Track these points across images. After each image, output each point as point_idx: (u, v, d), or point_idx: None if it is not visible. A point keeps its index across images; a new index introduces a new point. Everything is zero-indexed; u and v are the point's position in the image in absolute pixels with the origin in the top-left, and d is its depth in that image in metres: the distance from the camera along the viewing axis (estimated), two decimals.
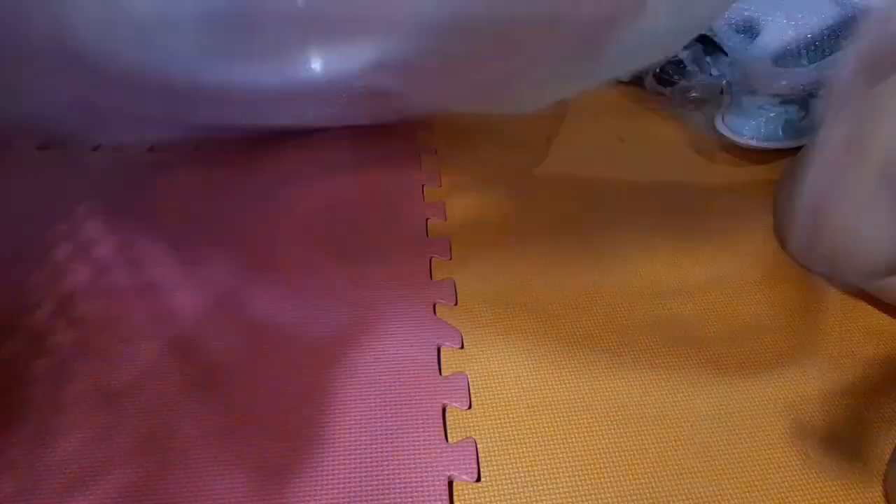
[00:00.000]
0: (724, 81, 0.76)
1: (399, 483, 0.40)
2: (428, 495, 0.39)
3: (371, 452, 0.41)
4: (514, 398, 0.46)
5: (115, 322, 0.50)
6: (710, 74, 0.79)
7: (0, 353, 0.48)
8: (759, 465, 0.43)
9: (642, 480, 0.41)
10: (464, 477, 0.41)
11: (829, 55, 0.67)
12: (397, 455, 0.41)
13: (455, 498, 0.40)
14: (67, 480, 0.40)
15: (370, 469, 0.40)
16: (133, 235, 0.57)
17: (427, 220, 0.63)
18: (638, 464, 0.42)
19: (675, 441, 0.44)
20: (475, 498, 0.40)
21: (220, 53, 0.53)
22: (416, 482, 0.40)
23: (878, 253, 0.51)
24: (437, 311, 0.53)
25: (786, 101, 0.70)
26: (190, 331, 0.48)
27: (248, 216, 0.62)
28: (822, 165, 0.55)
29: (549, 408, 0.45)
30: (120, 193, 0.63)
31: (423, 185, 0.68)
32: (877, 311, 0.57)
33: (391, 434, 0.42)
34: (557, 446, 0.43)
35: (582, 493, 0.40)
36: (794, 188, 0.58)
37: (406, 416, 0.43)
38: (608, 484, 0.41)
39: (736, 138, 0.72)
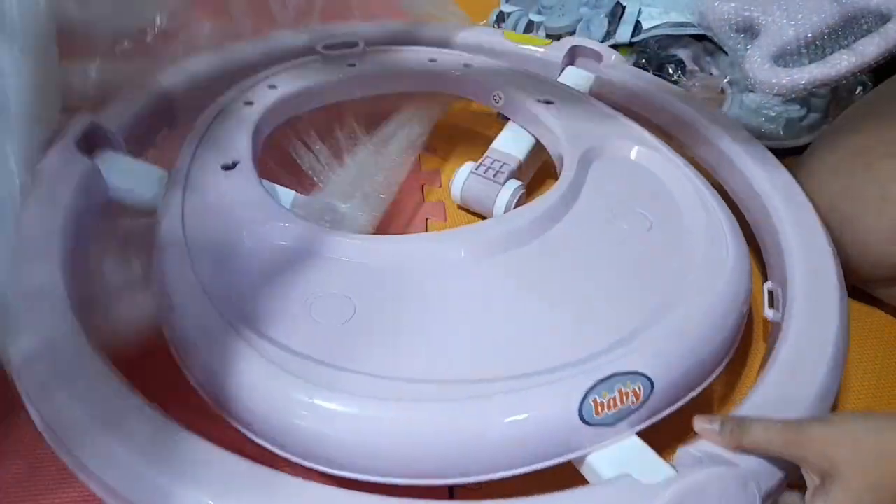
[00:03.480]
0: (724, 81, 0.76)
1: None
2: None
3: None
4: None
5: None
6: (710, 74, 0.78)
7: None
8: None
9: None
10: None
11: (830, 54, 0.67)
12: None
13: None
14: None
15: None
16: None
17: (427, 220, 0.63)
18: None
19: None
20: None
21: None
22: None
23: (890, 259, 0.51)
24: None
25: (787, 100, 0.70)
26: None
27: None
28: (830, 170, 0.55)
29: None
30: None
31: (423, 185, 0.68)
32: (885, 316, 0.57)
33: None
34: None
35: None
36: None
37: None
38: None
39: None
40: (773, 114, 0.70)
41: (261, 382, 0.36)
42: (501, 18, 0.91)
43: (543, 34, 0.86)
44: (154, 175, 0.51)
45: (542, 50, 0.72)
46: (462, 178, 0.62)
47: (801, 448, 0.33)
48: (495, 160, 0.63)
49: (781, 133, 0.71)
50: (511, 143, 0.65)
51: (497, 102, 0.66)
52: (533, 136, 0.64)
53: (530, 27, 0.87)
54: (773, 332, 0.48)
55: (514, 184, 0.61)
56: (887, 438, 0.32)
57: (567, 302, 0.43)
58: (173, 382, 0.38)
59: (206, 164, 0.51)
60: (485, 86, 0.66)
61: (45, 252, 0.41)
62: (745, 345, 0.50)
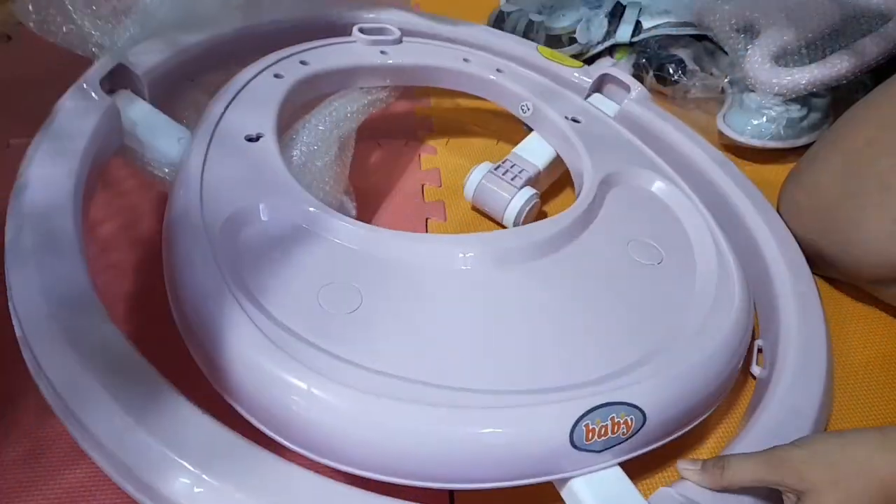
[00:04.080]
0: (724, 81, 0.76)
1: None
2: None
3: None
4: None
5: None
6: (711, 73, 0.78)
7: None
8: None
9: None
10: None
11: (830, 54, 0.67)
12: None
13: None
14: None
15: None
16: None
17: (427, 220, 0.63)
18: None
19: None
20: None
21: None
22: None
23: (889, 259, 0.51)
24: None
25: (787, 99, 0.70)
26: None
27: None
28: (833, 171, 0.55)
29: None
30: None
31: (423, 185, 0.68)
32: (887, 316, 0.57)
33: None
34: None
35: None
36: (803, 190, 0.58)
37: None
38: None
39: (737, 137, 0.72)
40: (774, 114, 0.70)
41: (257, 360, 0.35)
42: (501, 18, 0.90)
43: (543, 34, 0.86)
44: (174, 132, 0.50)
45: (571, 71, 0.71)
46: (478, 176, 0.62)
47: (778, 472, 0.35)
48: (515, 164, 0.62)
49: (781, 133, 0.71)
50: (533, 151, 0.64)
51: (525, 112, 0.66)
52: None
53: (530, 27, 0.87)
54: (756, 387, 0.49)
55: (530, 191, 0.60)
56: (853, 451, 0.34)
57: (572, 322, 0.43)
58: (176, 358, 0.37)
59: (231, 133, 0.50)
60: (515, 94, 0.66)
61: (58, 200, 0.41)
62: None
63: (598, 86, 0.71)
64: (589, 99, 0.70)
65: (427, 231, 0.62)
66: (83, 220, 0.43)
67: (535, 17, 0.87)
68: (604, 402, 0.37)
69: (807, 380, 0.45)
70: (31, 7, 0.54)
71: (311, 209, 0.45)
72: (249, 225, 0.44)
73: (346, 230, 0.45)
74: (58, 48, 0.58)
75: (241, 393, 0.36)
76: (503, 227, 0.62)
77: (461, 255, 0.45)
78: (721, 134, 0.73)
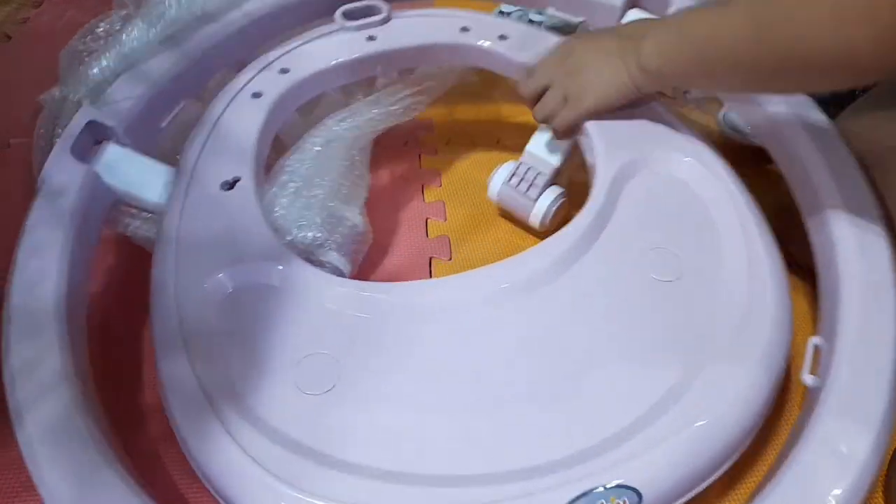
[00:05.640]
0: None
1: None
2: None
3: None
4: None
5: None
6: None
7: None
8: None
9: None
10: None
11: None
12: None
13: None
14: None
15: None
16: None
17: (427, 220, 0.63)
18: None
19: None
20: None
21: None
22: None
23: None
24: None
25: None
26: None
27: None
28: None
29: None
30: None
31: (423, 185, 0.68)
32: None
33: None
34: None
35: None
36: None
37: None
38: None
39: (738, 137, 0.72)
40: None
41: (236, 473, 0.34)
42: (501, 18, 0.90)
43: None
44: (160, 176, 0.47)
45: None
46: (496, 187, 0.58)
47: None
48: (529, 168, 0.56)
49: None
50: (547, 146, 0.56)
51: None
52: None
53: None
54: (806, 399, 0.39)
55: (551, 195, 0.55)
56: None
57: (559, 384, 0.37)
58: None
59: (206, 181, 0.47)
60: (521, 64, 0.57)
61: (45, 293, 0.40)
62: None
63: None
64: (627, 16, 0.60)
65: (427, 232, 0.62)
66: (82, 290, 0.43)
67: (536, 17, 0.86)
68: (590, 487, 0.31)
69: (863, 397, 0.35)
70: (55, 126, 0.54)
71: (281, 267, 0.42)
72: (221, 295, 0.41)
73: (320, 287, 0.42)
74: (57, 49, 0.59)
75: (218, 490, 0.34)
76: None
77: (439, 304, 0.41)
78: (721, 134, 0.73)
